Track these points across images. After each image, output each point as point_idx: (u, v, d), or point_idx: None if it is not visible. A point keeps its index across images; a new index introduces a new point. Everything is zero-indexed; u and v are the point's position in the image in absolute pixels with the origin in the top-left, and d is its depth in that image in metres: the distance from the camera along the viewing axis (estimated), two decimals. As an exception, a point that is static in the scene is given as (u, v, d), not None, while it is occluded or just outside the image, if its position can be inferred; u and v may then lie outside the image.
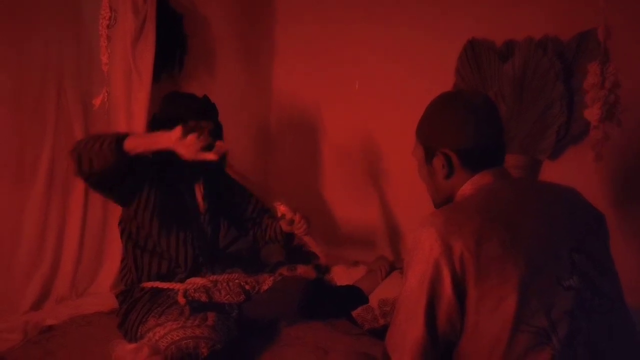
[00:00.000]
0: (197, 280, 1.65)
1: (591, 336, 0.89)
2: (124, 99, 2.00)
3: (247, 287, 1.67)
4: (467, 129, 1.02)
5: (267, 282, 1.71)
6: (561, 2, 1.85)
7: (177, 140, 1.43)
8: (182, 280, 1.66)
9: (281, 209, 1.70)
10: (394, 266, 2.01)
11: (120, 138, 1.43)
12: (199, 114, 1.66)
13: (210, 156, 1.46)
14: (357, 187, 2.45)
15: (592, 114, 1.49)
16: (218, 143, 1.51)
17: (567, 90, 1.80)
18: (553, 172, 1.90)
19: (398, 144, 2.28)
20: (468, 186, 1.02)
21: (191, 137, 1.43)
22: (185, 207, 1.70)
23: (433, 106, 1.09)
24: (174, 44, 2.15)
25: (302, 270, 2.01)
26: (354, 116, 2.42)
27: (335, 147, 2.53)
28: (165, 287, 1.64)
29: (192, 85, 2.30)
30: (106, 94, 1.72)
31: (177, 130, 1.43)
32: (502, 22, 1.98)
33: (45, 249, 1.94)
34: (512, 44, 1.94)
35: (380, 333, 1.50)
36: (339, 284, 1.94)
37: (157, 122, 1.66)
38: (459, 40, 2.04)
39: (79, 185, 1.99)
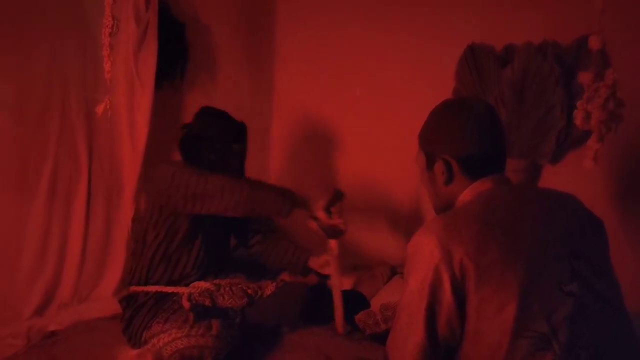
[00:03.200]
0: (201, 284, 1.67)
1: (592, 341, 0.90)
2: (126, 106, 2.01)
3: (249, 291, 1.69)
4: (467, 136, 1.03)
5: (269, 287, 1.72)
6: (560, 6, 1.85)
7: (321, 209, 1.60)
8: (186, 284, 1.68)
9: (332, 245, 1.65)
10: (395, 271, 2.02)
11: (292, 203, 1.58)
12: (234, 138, 1.76)
13: (339, 229, 1.61)
14: (357, 192, 2.46)
15: (579, 124, 1.51)
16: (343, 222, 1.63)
17: (567, 95, 1.80)
18: (553, 176, 1.91)
19: (399, 148, 2.29)
20: (468, 193, 1.03)
21: (335, 209, 1.62)
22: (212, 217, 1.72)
23: (435, 113, 1.10)
24: (175, 52, 2.16)
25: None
26: (355, 121, 2.42)
27: (336, 152, 2.54)
28: (170, 290, 1.65)
29: (194, 92, 2.31)
30: (108, 102, 1.73)
31: (324, 202, 1.61)
32: (502, 27, 1.98)
33: (48, 255, 1.94)
34: (512, 49, 1.95)
35: (382, 338, 1.50)
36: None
37: (190, 138, 1.74)
38: (459, 45, 2.04)
39: (81, 193, 2.00)
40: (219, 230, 1.79)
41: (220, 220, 1.67)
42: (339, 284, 1.65)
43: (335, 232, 1.62)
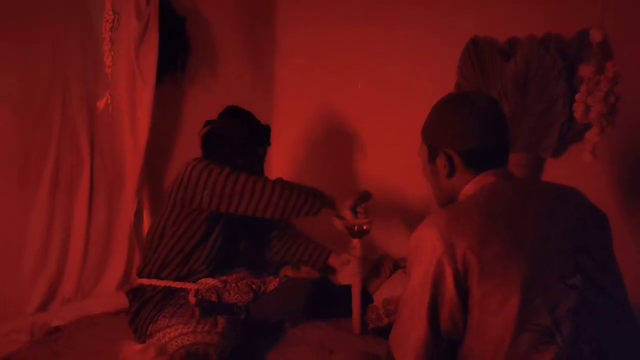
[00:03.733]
0: (209, 281, 1.68)
1: (595, 335, 0.90)
2: (127, 101, 2.01)
3: (254, 286, 1.70)
4: (469, 129, 1.03)
5: (272, 283, 1.73)
6: (563, 0, 1.85)
7: (348, 208, 1.63)
8: (194, 280, 1.69)
9: (355, 243, 1.68)
10: (398, 265, 2.01)
11: (321, 203, 1.63)
12: (259, 141, 1.79)
13: (364, 229, 1.64)
14: (359, 187, 2.46)
15: (579, 117, 1.50)
16: (369, 222, 1.66)
17: (569, 88, 1.80)
18: (556, 170, 1.90)
19: (401, 142, 2.29)
20: (471, 187, 1.03)
21: (361, 209, 1.64)
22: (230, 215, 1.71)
23: (438, 106, 1.10)
24: (176, 46, 2.16)
25: (306, 270, 2.02)
26: (356, 115, 2.42)
27: (338, 147, 2.53)
28: (179, 286, 1.66)
29: (195, 86, 2.31)
30: (109, 97, 1.74)
31: (350, 201, 1.64)
32: (505, 20, 1.98)
33: (50, 250, 1.94)
34: (515, 42, 1.94)
35: (384, 332, 1.51)
36: (342, 283, 1.95)
37: (214, 137, 1.74)
38: (461, 38, 2.04)
39: (84, 188, 2.00)
40: (234, 229, 1.78)
41: (237, 218, 1.67)
42: (360, 283, 1.66)
43: (359, 232, 1.65)
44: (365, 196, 1.67)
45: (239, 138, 1.73)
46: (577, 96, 1.50)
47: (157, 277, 1.67)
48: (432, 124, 1.10)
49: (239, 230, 1.83)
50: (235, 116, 1.78)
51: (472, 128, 1.03)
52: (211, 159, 1.70)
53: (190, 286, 1.65)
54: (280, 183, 1.59)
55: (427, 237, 0.93)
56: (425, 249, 0.92)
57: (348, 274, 2.00)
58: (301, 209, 1.59)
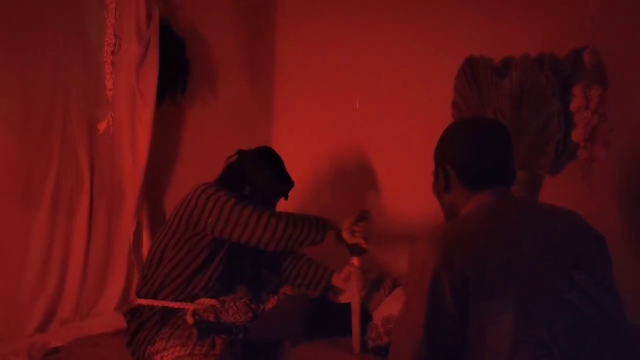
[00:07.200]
0: (207, 301, 1.67)
1: (593, 350, 0.90)
2: (128, 123, 2.03)
3: (252, 305, 1.69)
4: (466, 147, 1.07)
5: (271, 301, 1.72)
6: (557, 20, 1.88)
7: (346, 228, 1.64)
8: (192, 300, 1.68)
9: (354, 262, 1.68)
10: (398, 283, 2.01)
11: (322, 235, 1.63)
12: (281, 193, 1.80)
13: (362, 247, 1.64)
14: (358, 202, 2.46)
15: (577, 135, 1.51)
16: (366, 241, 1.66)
17: (564, 106, 1.82)
18: (554, 187, 1.91)
19: (403, 159, 2.30)
20: (470, 204, 1.06)
21: (358, 228, 1.64)
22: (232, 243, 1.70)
23: (447, 127, 1.16)
24: (176, 68, 2.19)
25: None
26: (357, 132, 2.44)
27: (339, 164, 2.55)
28: (176, 306, 1.64)
29: (195, 107, 2.33)
30: (110, 119, 1.75)
31: (349, 221, 1.64)
32: (500, 39, 2.01)
33: (50, 271, 1.94)
34: (509, 61, 1.97)
35: (384, 351, 1.50)
36: (343, 301, 1.94)
37: (239, 171, 1.74)
38: (458, 57, 2.07)
39: (83, 208, 2.01)
40: (236, 255, 1.76)
41: (241, 245, 1.66)
42: (359, 301, 1.65)
43: (358, 251, 1.66)
44: (363, 215, 1.68)
45: (262, 183, 1.73)
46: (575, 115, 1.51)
47: (155, 297, 1.66)
48: (439, 143, 1.15)
49: (241, 256, 1.81)
50: (267, 161, 1.77)
51: (470, 146, 1.07)
52: (225, 186, 1.68)
53: (188, 306, 1.64)
54: (285, 218, 1.58)
55: (425, 251, 0.94)
56: (423, 262, 0.94)
57: (349, 293, 1.99)
58: (303, 242, 1.60)
